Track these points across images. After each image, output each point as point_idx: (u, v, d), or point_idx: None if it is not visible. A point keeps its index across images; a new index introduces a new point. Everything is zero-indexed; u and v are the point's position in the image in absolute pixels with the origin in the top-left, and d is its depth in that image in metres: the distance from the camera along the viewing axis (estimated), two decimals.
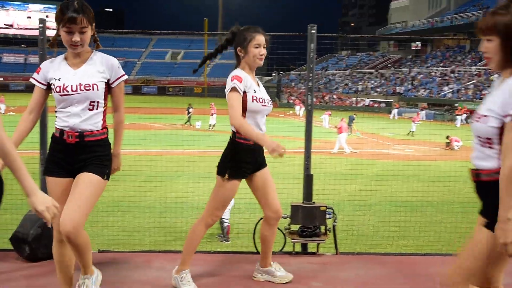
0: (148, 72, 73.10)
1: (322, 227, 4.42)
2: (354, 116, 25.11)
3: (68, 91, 2.81)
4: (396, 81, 58.13)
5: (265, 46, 3.42)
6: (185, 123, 26.23)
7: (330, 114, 28.78)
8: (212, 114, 25.21)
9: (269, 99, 3.49)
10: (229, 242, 7.13)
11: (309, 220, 4.34)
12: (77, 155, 2.85)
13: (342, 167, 10.88)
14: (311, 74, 4.47)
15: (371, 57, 75.98)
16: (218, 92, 62.22)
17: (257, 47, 3.37)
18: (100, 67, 2.88)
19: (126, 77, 3.01)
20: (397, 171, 9.43)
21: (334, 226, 4.48)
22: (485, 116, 2.17)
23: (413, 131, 25.34)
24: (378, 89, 59.38)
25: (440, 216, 8.01)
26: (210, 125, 24.65)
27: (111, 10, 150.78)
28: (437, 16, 64.95)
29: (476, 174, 2.26)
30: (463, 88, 47.63)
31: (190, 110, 26.93)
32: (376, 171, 9.76)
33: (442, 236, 6.60)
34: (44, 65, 2.94)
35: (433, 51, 63.37)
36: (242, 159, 3.38)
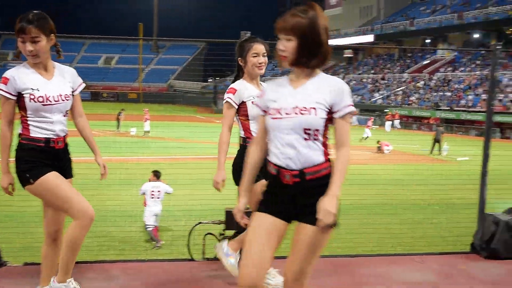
0: (80, 77, 70.64)
1: None
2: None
3: (51, 101, 2.98)
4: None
5: (264, 54, 3.48)
6: (117, 129, 25.49)
7: None
8: (146, 120, 24.74)
9: None
10: (162, 243, 6.93)
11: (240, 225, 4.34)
12: (62, 159, 3.15)
13: None
14: None
15: None
16: (153, 98, 61.30)
17: (255, 56, 3.45)
18: (67, 77, 3.14)
19: (84, 84, 3.29)
20: (354, 175, 9.68)
21: None
22: (314, 108, 2.40)
23: (367, 137, 25.54)
24: None
25: (372, 218, 8.28)
26: (144, 131, 24.18)
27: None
28: (368, 24, 67.39)
29: (299, 174, 2.42)
30: (392, 94, 49.65)
31: (121, 116, 26.15)
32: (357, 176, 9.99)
33: (373, 237, 6.83)
34: (11, 76, 2.96)
35: (365, 59, 65.67)
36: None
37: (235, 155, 3.53)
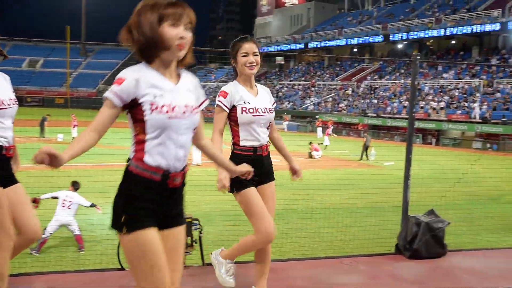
0: None
1: (188, 239, 4.40)
2: None
3: (5, 105, 2.98)
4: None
5: (255, 53, 3.36)
6: (41, 135, 24.31)
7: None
8: (74, 126, 23.81)
9: (268, 107, 3.41)
10: (38, 254, 6.67)
11: None
12: (10, 167, 3.20)
13: (209, 178, 11.00)
14: None
15: None
16: (81, 103, 59.10)
17: (244, 56, 3.34)
18: (7, 82, 3.13)
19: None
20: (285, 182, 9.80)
21: (200, 238, 4.49)
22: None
23: (326, 146, 25.77)
24: None
25: (304, 223, 8.44)
26: (72, 138, 23.29)
27: None
28: (298, 33, 68.89)
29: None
30: (322, 101, 50.97)
31: (45, 121, 24.94)
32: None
33: (305, 242, 6.97)
34: None
35: (296, 66, 67.01)
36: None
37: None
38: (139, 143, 2.25)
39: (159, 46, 2.22)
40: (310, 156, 20.72)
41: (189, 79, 2.40)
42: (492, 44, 48.29)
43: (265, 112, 3.41)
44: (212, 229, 6.92)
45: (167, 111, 2.20)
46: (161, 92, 2.22)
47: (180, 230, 2.41)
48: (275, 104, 3.61)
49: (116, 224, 2.25)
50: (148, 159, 2.24)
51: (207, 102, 2.48)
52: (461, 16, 47.80)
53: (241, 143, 3.41)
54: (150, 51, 2.24)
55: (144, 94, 2.20)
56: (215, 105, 3.39)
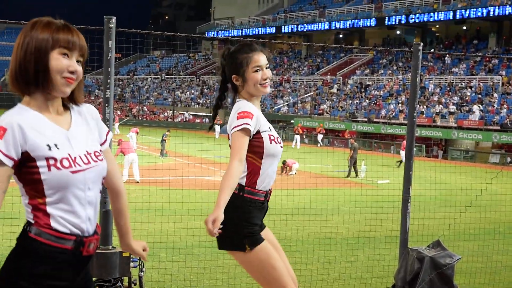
0: None
1: (126, 279, 4.38)
2: (167, 133, 25.55)
3: None
4: None
5: (267, 66, 3.33)
6: None
7: (138, 132, 28.91)
8: None
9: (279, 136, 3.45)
10: None
11: (107, 271, 4.26)
12: None
13: (154, 200, 10.92)
14: (109, 80, 4.43)
15: (191, 59, 78.05)
16: None
17: (257, 71, 3.29)
18: None
19: None
20: None
21: (140, 277, 4.47)
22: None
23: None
24: (200, 101, 61.10)
25: None
26: None
27: None
28: (269, 13, 69.51)
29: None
30: (299, 102, 51.39)
31: None
32: (201, 204, 10.00)
33: None
34: None
35: None
36: (254, 221, 3.32)
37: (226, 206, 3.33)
38: (38, 207, 2.25)
39: (43, 77, 2.22)
40: (284, 172, 20.84)
41: (80, 115, 2.43)
42: None
43: (281, 142, 3.46)
44: (156, 266, 6.88)
45: (69, 165, 2.22)
46: (54, 142, 2.23)
47: None
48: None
49: None
50: (56, 225, 2.24)
51: (110, 135, 2.55)
52: None
53: (258, 186, 3.37)
54: (31, 83, 2.24)
55: (35, 146, 2.19)
56: (241, 128, 3.24)
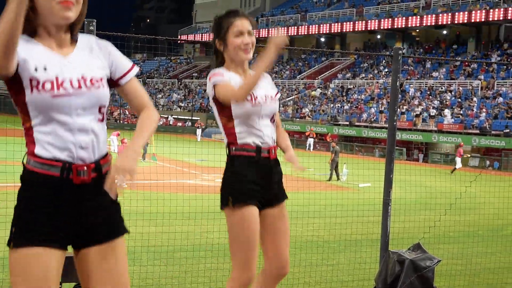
0: None
1: None
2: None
3: None
4: (204, 94, 60.57)
5: (250, 32, 3.36)
6: None
7: (119, 135, 28.84)
8: None
9: (270, 94, 3.41)
10: None
11: None
12: None
13: (135, 204, 10.85)
14: None
15: (172, 63, 77.87)
16: None
17: (238, 36, 3.32)
18: None
19: None
20: (206, 207, 9.75)
21: None
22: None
23: None
24: (182, 104, 60.96)
25: (257, 261, 8.47)
26: None
27: None
28: (251, 16, 69.52)
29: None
30: (281, 105, 51.51)
31: None
32: (182, 207, 9.98)
33: None
34: None
35: None
36: (246, 177, 3.28)
37: (224, 169, 3.42)
38: (28, 133, 2.27)
39: (35, 8, 2.22)
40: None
41: (88, 43, 2.41)
42: (492, 36, 50.40)
43: (266, 100, 3.41)
44: (137, 270, 6.85)
45: (51, 88, 2.20)
46: (43, 64, 2.23)
47: (118, 244, 2.40)
48: (278, 94, 3.60)
49: (9, 239, 2.27)
50: (40, 150, 2.24)
51: (134, 71, 2.49)
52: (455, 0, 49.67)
53: (239, 141, 3.36)
54: (28, 16, 2.21)
55: (24, 64, 2.19)
56: (213, 86, 3.30)
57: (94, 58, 2.38)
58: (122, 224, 2.46)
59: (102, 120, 2.36)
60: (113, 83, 2.44)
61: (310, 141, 39.04)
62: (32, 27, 2.27)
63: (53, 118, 2.22)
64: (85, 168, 2.28)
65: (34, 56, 2.22)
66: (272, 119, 3.47)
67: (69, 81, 2.24)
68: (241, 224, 3.29)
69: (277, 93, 3.57)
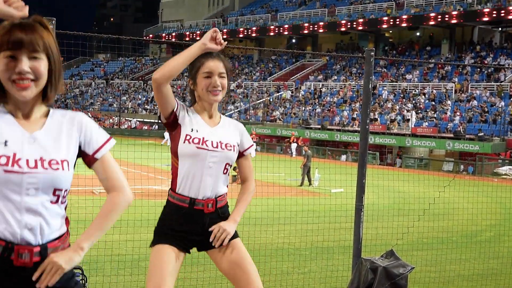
0: None
1: None
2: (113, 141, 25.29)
3: None
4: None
5: (222, 75, 3.39)
6: None
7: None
8: None
9: (225, 142, 3.44)
10: None
11: None
12: None
13: (97, 211, 10.75)
14: None
15: (137, 63, 77.40)
16: None
17: (207, 77, 3.36)
18: None
19: None
20: None
21: None
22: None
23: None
24: (148, 106, 60.64)
25: None
26: None
27: None
28: (219, 16, 69.60)
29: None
30: (251, 108, 51.55)
31: None
32: (147, 214, 9.92)
33: None
34: None
35: None
36: (172, 224, 3.41)
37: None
38: None
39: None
40: (234, 180, 20.83)
41: (59, 120, 2.39)
42: (466, 38, 51.23)
43: (217, 147, 3.42)
44: (101, 280, 6.79)
45: (5, 163, 2.19)
46: (4, 139, 2.23)
47: None
48: (251, 146, 3.66)
49: None
50: None
51: (108, 146, 2.46)
52: (428, 0, 50.35)
53: (179, 190, 3.45)
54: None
55: None
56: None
57: (62, 137, 2.36)
58: None
59: (56, 203, 2.31)
60: (85, 158, 2.42)
61: (293, 146, 38.97)
62: (4, 95, 2.27)
63: (2, 194, 2.20)
64: (27, 251, 2.24)
65: (0, 129, 2.24)
66: (225, 170, 3.49)
67: (25, 160, 2.22)
68: (152, 261, 3.48)
69: (241, 145, 3.61)
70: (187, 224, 3.42)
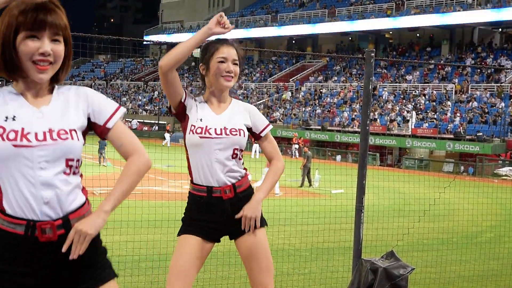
0: None
1: None
2: (106, 142, 25.28)
3: None
4: None
5: (235, 61, 3.42)
6: None
7: None
8: None
9: (230, 127, 3.44)
10: None
11: None
12: None
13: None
14: None
15: (138, 64, 77.41)
16: None
17: (222, 61, 3.38)
18: None
19: None
20: (173, 214, 9.71)
21: None
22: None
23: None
24: (148, 107, 60.63)
25: (226, 270, 8.46)
26: None
27: None
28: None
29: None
30: None
31: None
32: (147, 215, 9.91)
33: None
34: None
35: None
36: (193, 214, 3.46)
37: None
38: None
39: (11, 65, 2.24)
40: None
41: (65, 93, 2.40)
42: (466, 39, 51.20)
43: (221, 134, 3.42)
44: None
45: (14, 138, 2.20)
46: (13, 114, 2.24)
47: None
48: (267, 126, 3.63)
49: None
50: (6, 205, 2.23)
51: (118, 114, 2.44)
52: (428, 2, 50.34)
53: (196, 180, 3.50)
54: (9, 69, 2.27)
55: None
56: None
57: (70, 108, 2.36)
58: (108, 270, 2.49)
59: (69, 174, 2.31)
60: (97, 130, 2.42)
61: (294, 147, 38.91)
62: (15, 74, 2.29)
63: (15, 170, 2.21)
64: (49, 226, 2.25)
65: (6, 106, 2.25)
66: (234, 155, 3.48)
67: (34, 133, 2.23)
68: (176, 250, 3.51)
69: (255, 127, 3.61)
70: (209, 213, 3.45)
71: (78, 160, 2.34)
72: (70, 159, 2.29)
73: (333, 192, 19.40)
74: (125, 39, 6.15)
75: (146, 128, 55.85)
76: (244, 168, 3.56)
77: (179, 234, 3.53)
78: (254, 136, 3.59)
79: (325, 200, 17.57)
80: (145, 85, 67.28)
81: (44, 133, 2.24)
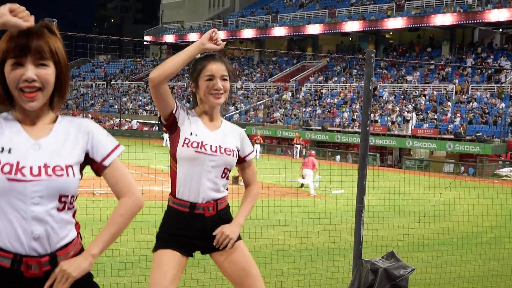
0: None
1: None
2: None
3: None
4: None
5: (224, 77, 3.40)
6: None
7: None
8: None
9: (224, 147, 3.42)
10: None
11: None
12: None
13: (98, 212, 10.75)
14: None
15: (138, 65, 77.44)
16: None
17: (210, 79, 3.35)
18: None
19: None
20: None
21: None
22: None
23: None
24: (148, 108, 60.65)
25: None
26: None
27: None
28: (220, 18, 69.59)
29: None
30: (251, 109, 51.55)
31: None
32: (148, 215, 9.94)
33: None
34: None
35: None
36: (172, 229, 3.41)
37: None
38: None
39: (8, 94, 2.22)
40: (236, 182, 20.83)
41: (66, 127, 2.37)
42: (467, 40, 51.20)
43: (216, 151, 3.41)
44: (101, 282, 6.78)
45: (8, 171, 2.16)
46: (9, 146, 2.21)
47: None
48: (252, 152, 3.66)
49: None
50: None
51: (117, 152, 2.45)
52: (428, 2, 50.34)
53: (178, 195, 3.45)
54: (2, 100, 2.25)
55: None
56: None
57: (68, 143, 2.33)
58: None
59: (62, 210, 2.28)
60: (94, 166, 2.40)
61: (296, 148, 38.88)
62: (10, 104, 2.27)
63: (7, 204, 2.17)
64: (35, 262, 2.22)
65: (4, 136, 2.22)
66: (223, 174, 3.49)
67: (29, 168, 2.19)
68: (153, 266, 3.46)
69: (242, 151, 3.62)
70: (189, 229, 3.41)
71: (73, 196, 2.31)
72: (64, 196, 2.26)
73: (333, 192, 19.39)
74: (125, 39, 6.16)
75: (146, 129, 55.86)
76: (226, 189, 3.57)
77: (156, 249, 3.47)
78: (238, 159, 3.58)
79: (325, 200, 17.58)
80: (146, 86, 67.29)
81: (39, 168, 2.21)
